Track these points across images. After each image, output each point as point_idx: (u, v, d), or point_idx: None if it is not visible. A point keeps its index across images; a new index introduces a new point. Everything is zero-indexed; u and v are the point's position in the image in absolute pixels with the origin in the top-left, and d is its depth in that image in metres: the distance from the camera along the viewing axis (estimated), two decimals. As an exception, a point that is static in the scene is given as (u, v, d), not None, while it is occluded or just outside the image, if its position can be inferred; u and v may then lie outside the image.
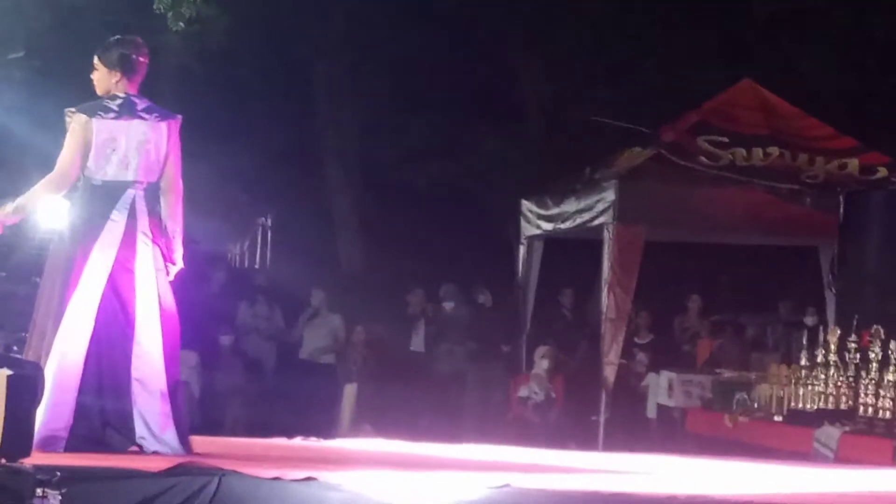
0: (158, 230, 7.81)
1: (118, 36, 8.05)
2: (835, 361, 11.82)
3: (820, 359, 11.96)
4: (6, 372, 6.55)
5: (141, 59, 7.93)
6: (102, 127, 7.77)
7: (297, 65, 20.79)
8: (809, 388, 11.97)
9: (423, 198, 20.78)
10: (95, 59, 7.92)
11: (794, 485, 8.21)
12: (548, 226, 15.76)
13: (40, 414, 7.05)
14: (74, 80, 9.36)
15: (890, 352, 11.00)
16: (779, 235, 15.30)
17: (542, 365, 15.50)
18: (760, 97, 15.15)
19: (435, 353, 16.44)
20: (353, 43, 20.57)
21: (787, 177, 14.29)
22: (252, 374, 16.15)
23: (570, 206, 15.09)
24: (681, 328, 16.75)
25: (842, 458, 10.78)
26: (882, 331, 11.17)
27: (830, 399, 11.80)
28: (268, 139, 20.57)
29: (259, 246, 21.93)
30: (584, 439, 13.98)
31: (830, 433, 11.11)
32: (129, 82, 7.89)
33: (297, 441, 9.75)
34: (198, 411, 14.54)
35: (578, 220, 14.87)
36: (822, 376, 11.89)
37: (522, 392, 15.49)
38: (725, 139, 14.52)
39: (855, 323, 11.74)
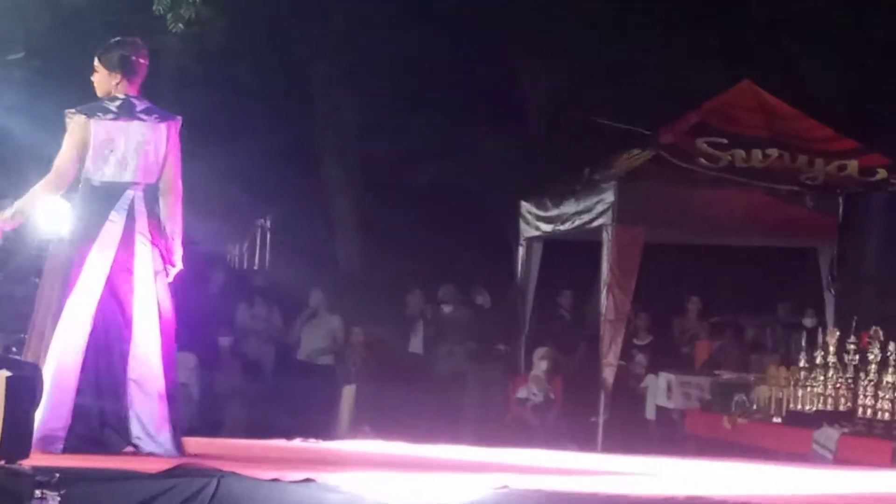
0: (157, 231, 7.81)
1: (118, 38, 8.06)
2: (834, 363, 11.83)
3: (819, 360, 11.96)
4: (5, 373, 6.55)
5: (141, 60, 7.93)
6: (101, 128, 7.78)
7: (296, 65, 20.77)
8: (808, 389, 11.97)
9: (423, 198, 20.76)
10: (96, 61, 7.93)
11: (792, 486, 8.22)
12: (547, 227, 15.76)
13: (39, 414, 7.06)
14: (74, 81, 9.36)
15: (889, 353, 11.01)
16: (778, 237, 15.31)
17: (540, 366, 15.50)
18: (760, 98, 15.16)
19: (434, 355, 16.44)
20: (352, 43, 20.55)
21: (787, 178, 14.29)
22: (251, 376, 16.15)
23: (569, 207, 15.10)
24: (680, 330, 16.75)
25: (841, 459, 10.78)
26: (881, 332, 11.18)
27: (829, 400, 11.80)
28: (267, 140, 20.55)
29: (258, 247, 21.93)
30: (583, 441, 13.98)
31: (829, 434, 11.12)
32: (130, 84, 7.90)
33: (296, 442, 9.75)
34: (197, 412, 14.55)
35: (577, 222, 14.87)
36: (821, 378, 11.89)
37: (521, 393, 15.49)
38: (725, 141, 14.52)
39: (854, 324, 11.74)
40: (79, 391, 7.57)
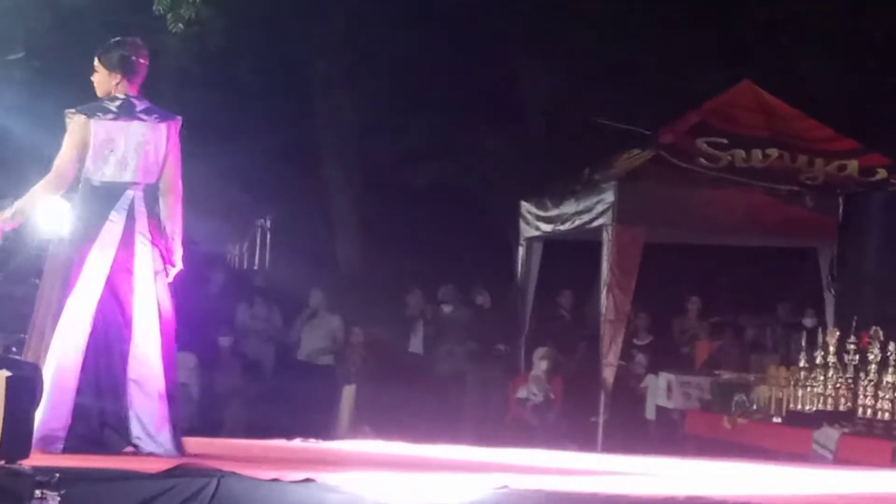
0: (157, 231, 7.82)
1: (118, 38, 8.06)
2: (834, 363, 11.83)
3: (819, 360, 11.96)
4: (5, 373, 6.56)
5: (141, 60, 7.94)
6: (100, 128, 7.78)
7: (296, 65, 20.77)
8: (808, 389, 11.97)
9: (423, 198, 20.76)
10: (96, 61, 7.94)
11: (792, 486, 8.22)
12: (547, 227, 15.76)
13: (39, 414, 7.06)
14: (74, 81, 9.36)
15: (889, 353, 11.01)
16: (778, 237, 15.30)
17: (540, 366, 15.50)
18: (760, 98, 15.16)
19: (434, 355, 16.44)
20: (352, 43, 20.54)
21: (787, 178, 14.29)
22: (251, 376, 16.14)
23: (569, 207, 15.10)
24: (680, 330, 16.75)
25: (841, 459, 10.78)
26: (881, 332, 11.18)
27: (829, 400, 11.80)
28: (267, 139, 20.55)
29: (258, 247, 21.94)
30: (583, 441, 13.98)
31: (829, 434, 11.12)
32: (130, 84, 7.90)
33: (296, 442, 9.75)
34: (197, 412, 14.55)
35: (577, 222, 14.87)
36: (821, 378, 11.89)
37: (521, 393, 15.49)
38: (725, 141, 14.52)
39: (854, 324, 11.74)
40: (79, 391, 7.57)
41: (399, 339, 16.77)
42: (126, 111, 7.83)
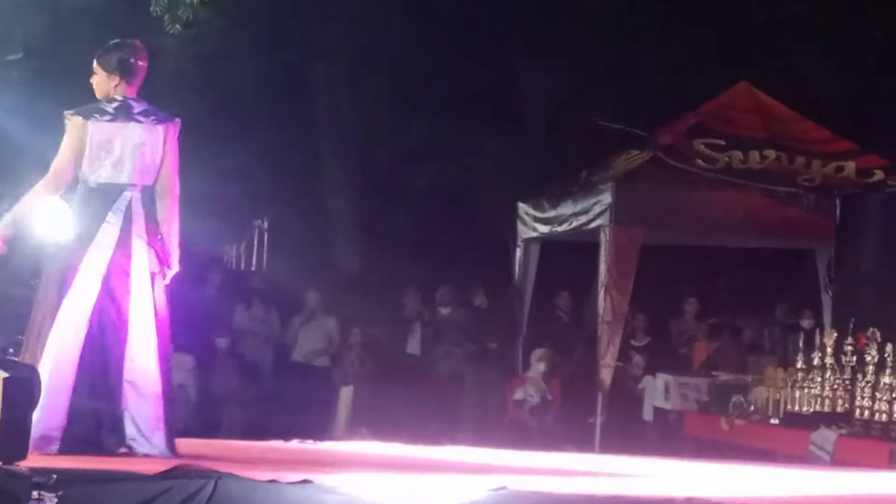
0: (155, 233, 7.82)
1: (117, 40, 8.07)
2: (831, 364, 11.83)
3: (816, 361, 11.96)
4: (2, 374, 6.56)
5: (140, 62, 7.95)
6: (97, 129, 7.79)
7: (294, 65, 20.77)
8: (806, 390, 11.97)
9: (421, 199, 20.76)
10: (95, 63, 7.95)
11: (790, 487, 8.22)
12: (544, 228, 15.76)
13: (35, 414, 7.06)
14: (73, 82, 9.36)
15: (886, 354, 11.01)
16: (775, 238, 15.31)
17: (537, 368, 15.51)
18: (757, 100, 15.17)
19: (432, 356, 16.44)
20: (351, 43, 20.55)
21: (784, 180, 14.29)
22: (248, 377, 16.13)
23: (566, 208, 15.10)
24: (677, 331, 16.75)
25: (838, 460, 10.79)
26: (878, 333, 11.18)
27: (827, 402, 11.81)
28: (265, 140, 20.55)
29: (256, 248, 21.93)
30: (581, 442, 13.98)
31: (827, 436, 11.12)
32: (128, 86, 7.91)
33: (294, 444, 9.75)
34: (194, 414, 14.55)
35: (575, 223, 14.87)
36: (819, 379, 11.89)
37: (518, 395, 15.49)
38: (722, 142, 14.53)
39: (851, 326, 11.75)
40: (75, 392, 7.58)
41: (397, 340, 16.77)
42: (123, 113, 7.84)
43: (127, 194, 7.79)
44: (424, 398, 15.45)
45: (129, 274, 7.73)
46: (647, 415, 15.17)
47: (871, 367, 11.18)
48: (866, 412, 11.15)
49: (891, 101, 18.43)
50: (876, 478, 9.25)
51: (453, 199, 20.52)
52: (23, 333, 8.15)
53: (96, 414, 7.61)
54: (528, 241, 16.28)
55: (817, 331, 12.59)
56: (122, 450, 7.61)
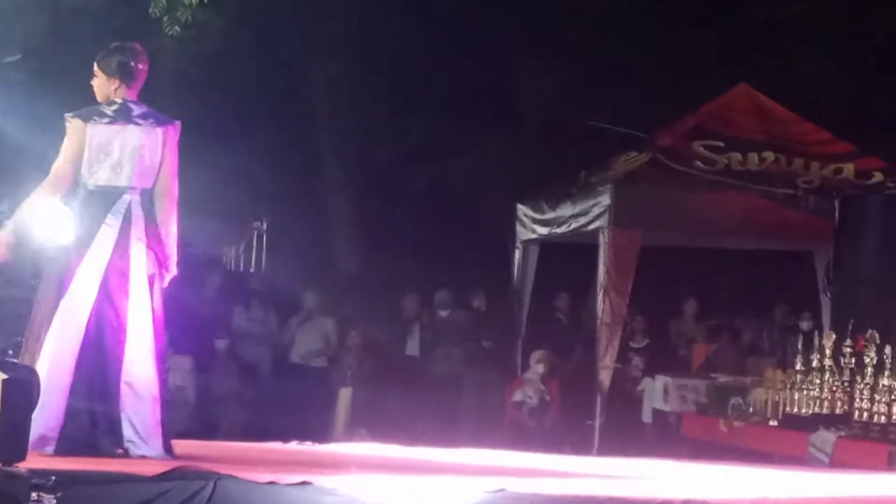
0: (154, 236, 7.82)
1: (118, 43, 8.07)
2: (830, 366, 11.83)
3: (815, 363, 11.96)
4: (1, 376, 6.55)
5: (140, 66, 7.96)
6: (97, 132, 7.81)
7: (294, 66, 20.78)
8: (805, 392, 11.97)
9: (420, 200, 20.76)
10: (95, 67, 7.96)
11: (789, 489, 8.22)
12: (543, 230, 15.76)
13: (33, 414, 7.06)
14: (72, 83, 9.37)
15: (885, 356, 11.01)
16: (774, 240, 15.31)
17: (536, 369, 15.50)
18: (756, 102, 15.18)
19: (430, 357, 16.44)
20: (350, 44, 20.55)
21: (783, 181, 14.29)
22: (247, 378, 16.12)
23: (565, 210, 15.10)
24: (676, 332, 16.76)
25: (837, 462, 10.79)
26: (877, 335, 11.18)
27: (826, 404, 11.81)
28: (265, 141, 20.55)
29: (254, 249, 21.91)
30: (580, 443, 13.98)
31: (826, 438, 11.12)
32: (129, 89, 7.93)
33: (293, 445, 9.75)
34: (193, 415, 14.54)
35: (574, 225, 14.87)
36: (818, 381, 11.89)
37: (517, 396, 15.49)
38: (721, 144, 14.53)
39: (850, 327, 11.74)
40: (72, 393, 7.58)
41: (396, 341, 16.76)
42: (122, 116, 7.85)
43: (126, 197, 7.80)
44: (423, 400, 15.45)
45: (128, 276, 7.73)
46: (646, 416, 15.17)
47: (869, 369, 11.18)
48: (865, 414, 11.14)
49: (890, 101, 18.45)
50: (875, 480, 9.25)
51: (452, 200, 20.52)
52: (22, 335, 8.15)
53: (93, 415, 7.61)
54: (527, 242, 16.29)
55: (816, 332, 12.58)
56: (119, 451, 7.61)
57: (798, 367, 12.14)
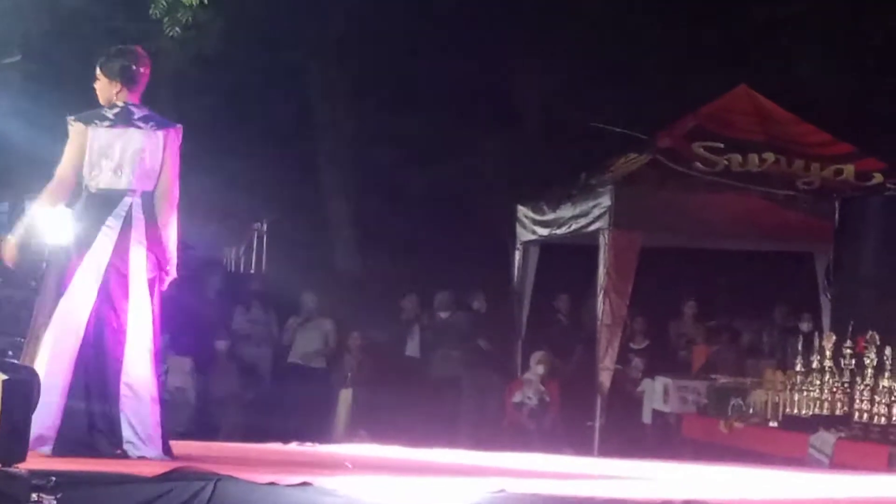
0: (154, 239, 7.83)
1: (120, 46, 8.08)
2: (830, 367, 11.82)
3: (815, 364, 11.95)
4: (1, 376, 6.55)
5: (142, 69, 7.97)
6: (98, 135, 7.82)
7: (293, 68, 20.79)
8: (805, 393, 11.96)
9: (420, 202, 20.77)
10: (97, 70, 7.97)
11: (789, 490, 8.22)
12: (543, 231, 15.77)
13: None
14: (71, 84, 9.38)
15: (885, 357, 11.00)
16: (774, 241, 15.31)
17: (536, 370, 15.50)
18: (756, 103, 15.18)
19: (430, 359, 16.44)
20: (349, 46, 20.56)
21: (783, 183, 14.29)
22: (248, 380, 16.12)
23: (565, 211, 15.10)
24: (676, 334, 16.76)
25: (837, 463, 10.78)
26: (877, 336, 11.17)
27: (826, 405, 11.80)
28: (264, 143, 20.57)
29: (255, 251, 21.93)
30: (580, 445, 13.97)
31: (826, 439, 11.11)
32: (130, 93, 7.94)
33: (293, 446, 9.75)
34: (193, 416, 14.54)
35: (574, 226, 14.87)
36: (818, 382, 11.88)
37: (517, 397, 15.49)
38: (721, 145, 14.53)
39: (850, 329, 11.74)
40: (70, 393, 7.58)
41: (396, 342, 16.77)
42: (123, 119, 7.86)
43: (127, 200, 7.81)
44: (423, 401, 15.44)
45: (128, 278, 7.74)
46: (646, 418, 15.17)
47: (869, 370, 11.17)
48: (865, 415, 11.13)
49: (891, 101, 18.45)
50: (875, 481, 9.25)
51: (452, 201, 20.53)
52: (22, 335, 8.16)
53: (91, 415, 7.61)
54: (528, 243, 16.29)
55: (816, 334, 12.57)
56: (118, 452, 7.61)
57: (798, 368, 12.14)
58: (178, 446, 7.93)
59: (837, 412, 11.67)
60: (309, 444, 10.06)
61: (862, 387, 11.23)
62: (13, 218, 9.45)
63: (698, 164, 14.33)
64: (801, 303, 15.91)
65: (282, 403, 15.02)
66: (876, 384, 11.08)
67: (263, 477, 6.44)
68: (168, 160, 7.89)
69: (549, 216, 15.57)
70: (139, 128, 7.86)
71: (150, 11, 13.04)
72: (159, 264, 7.84)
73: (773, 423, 12.19)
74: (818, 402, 11.84)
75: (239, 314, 16.79)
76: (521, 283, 16.37)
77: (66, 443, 7.50)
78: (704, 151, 14.44)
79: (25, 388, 6.71)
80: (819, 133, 15.07)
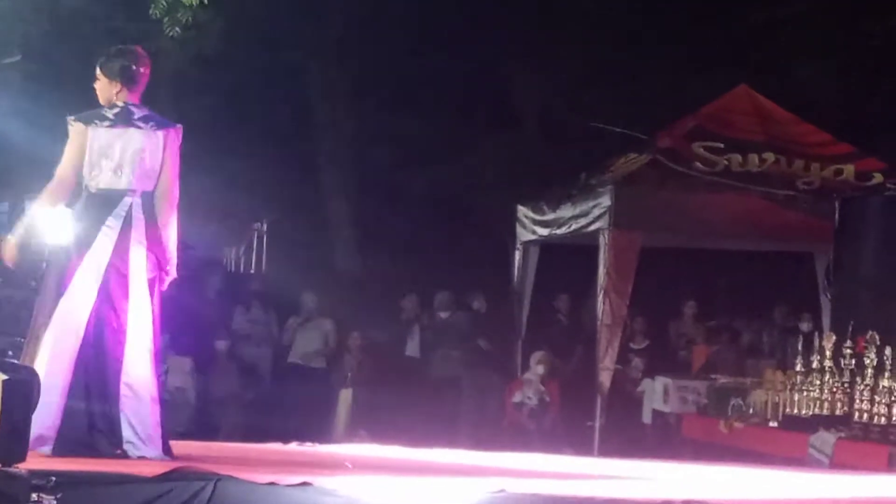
0: (154, 239, 7.83)
1: (120, 46, 8.08)
2: (830, 367, 11.82)
3: (815, 364, 11.95)
4: (1, 376, 6.55)
5: (142, 70, 7.97)
6: (97, 135, 7.82)
7: (293, 68, 20.79)
8: (805, 393, 11.96)
9: (420, 202, 20.78)
10: (97, 70, 7.97)
11: (789, 490, 8.22)
12: (543, 231, 15.77)
13: (30, 414, 7.07)
14: (71, 84, 9.38)
15: (885, 357, 11.00)
16: (774, 241, 15.31)
17: (536, 370, 15.51)
18: (756, 103, 15.18)
19: (430, 359, 16.44)
20: (349, 46, 20.57)
21: (783, 183, 14.29)
22: (248, 380, 16.13)
23: (565, 211, 15.10)
24: (676, 334, 16.77)
25: (837, 463, 10.78)
26: (877, 336, 11.17)
27: (826, 405, 11.80)
28: (264, 143, 20.58)
29: (255, 251, 21.94)
30: (580, 445, 13.97)
31: (826, 439, 11.11)
32: (130, 93, 7.94)
33: (293, 446, 9.75)
34: (194, 416, 14.54)
35: (574, 226, 14.87)
36: (818, 382, 11.88)
37: (517, 397, 15.49)
38: (721, 145, 14.53)
39: (850, 329, 11.74)
40: (70, 393, 7.58)
41: (396, 342, 16.77)
42: (123, 119, 7.86)
43: (127, 200, 7.81)
44: (423, 401, 15.44)
45: (128, 278, 7.74)
46: (646, 418, 15.17)
47: (869, 370, 11.17)
48: (865, 415, 11.13)
49: (890, 101, 18.45)
50: (875, 481, 9.25)
51: (452, 201, 20.54)
52: (22, 335, 8.16)
53: (91, 415, 7.61)
54: (528, 243, 16.29)
55: (816, 334, 12.57)
56: (118, 452, 7.61)
57: (798, 368, 12.14)
58: (178, 446, 7.93)
59: (837, 412, 11.67)
60: (309, 444, 10.06)
61: (862, 387, 11.23)
62: (13, 218, 9.46)
63: (698, 164, 14.33)
64: (801, 303, 15.91)
65: (282, 403, 15.02)
66: (876, 384, 11.08)
67: (263, 477, 6.44)
68: (168, 160, 7.88)
69: (549, 216, 15.57)
70: (139, 128, 7.86)
71: (150, 11, 13.05)
72: (159, 264, 7.84)
73: (773, 423, 12.19)
74: (818, 402, 11.84)
75: (239, 314, 16.80)
76: (521, 283, 16.38)
77: (66, 443, 7.50)
78: (704, 151, 14.44)
79: (25, 388, 6.71)
80: (819, 133, 15.07)
